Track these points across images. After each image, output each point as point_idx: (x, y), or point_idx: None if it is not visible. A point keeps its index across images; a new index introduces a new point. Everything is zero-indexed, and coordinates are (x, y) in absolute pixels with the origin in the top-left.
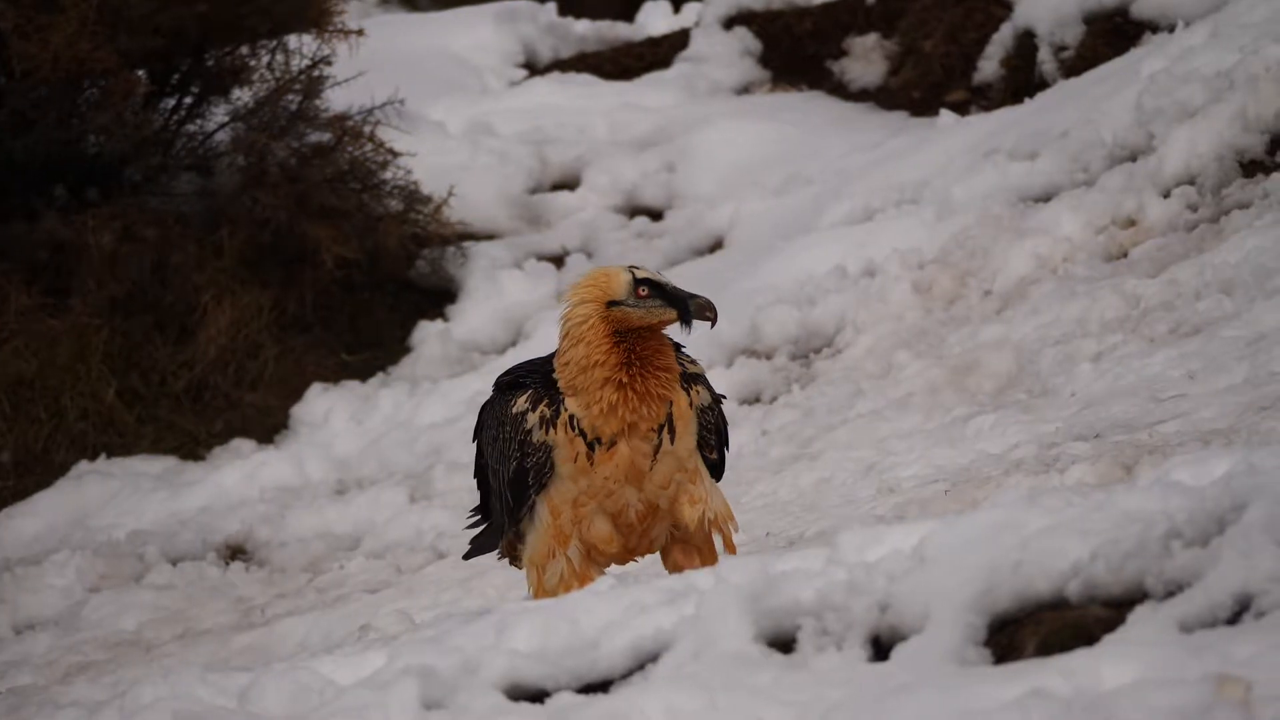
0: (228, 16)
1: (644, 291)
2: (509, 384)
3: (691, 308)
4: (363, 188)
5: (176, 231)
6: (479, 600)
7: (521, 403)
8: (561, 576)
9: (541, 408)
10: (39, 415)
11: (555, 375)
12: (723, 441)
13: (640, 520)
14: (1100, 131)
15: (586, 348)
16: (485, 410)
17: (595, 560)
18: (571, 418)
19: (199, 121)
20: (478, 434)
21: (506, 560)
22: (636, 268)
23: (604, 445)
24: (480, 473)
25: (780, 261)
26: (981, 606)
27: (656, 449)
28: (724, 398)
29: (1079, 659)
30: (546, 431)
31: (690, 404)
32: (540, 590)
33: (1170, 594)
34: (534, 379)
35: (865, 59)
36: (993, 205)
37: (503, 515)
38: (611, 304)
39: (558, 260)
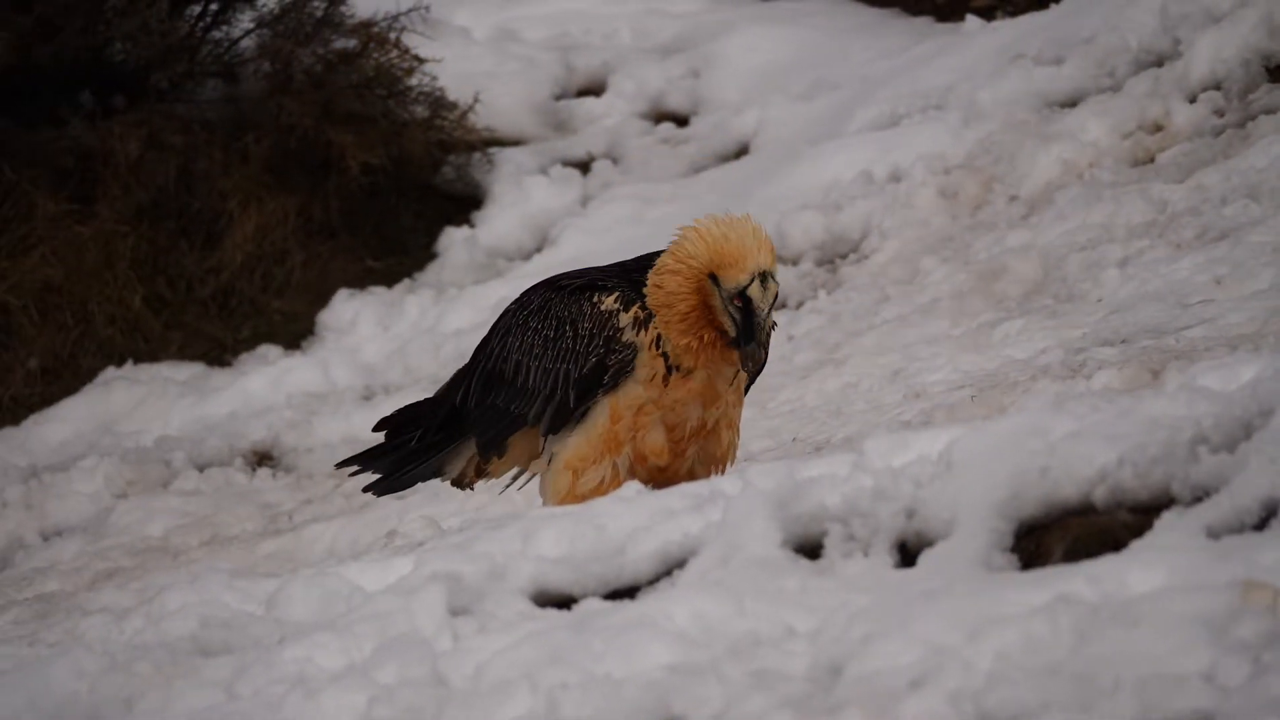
0: None
1: (739, 302)
2: (584, 285)
3: (745, 350)
4: (388, 94)
5: (202, 138)
6: (506, 507)
7: (610, 302)
8: (602, 482)
9: (635, 310)
10: (66, 322)
11: (645, 285)
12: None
13: (692, 436)
14: (1126, 37)
15: (674, 284)
16: (525, 315)
17: (636, 473)
18: (659, 337)
19: (225, 28)
20: (497, 339)
21: (455, 482)
22: (759, 279)
23: (681, 372)
24: (435, 403)
25: (806, 167)
26: (1008, 512)
27: (733, 377)
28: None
29: (1106, 565)
30: (637, 333)
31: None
32: (570, 494)
33: (1197, 500)
34: (615, 282)
35: None
36: (1018, 110)
37: (491, 429)
38: (712, 278)
39: (583, 166)
